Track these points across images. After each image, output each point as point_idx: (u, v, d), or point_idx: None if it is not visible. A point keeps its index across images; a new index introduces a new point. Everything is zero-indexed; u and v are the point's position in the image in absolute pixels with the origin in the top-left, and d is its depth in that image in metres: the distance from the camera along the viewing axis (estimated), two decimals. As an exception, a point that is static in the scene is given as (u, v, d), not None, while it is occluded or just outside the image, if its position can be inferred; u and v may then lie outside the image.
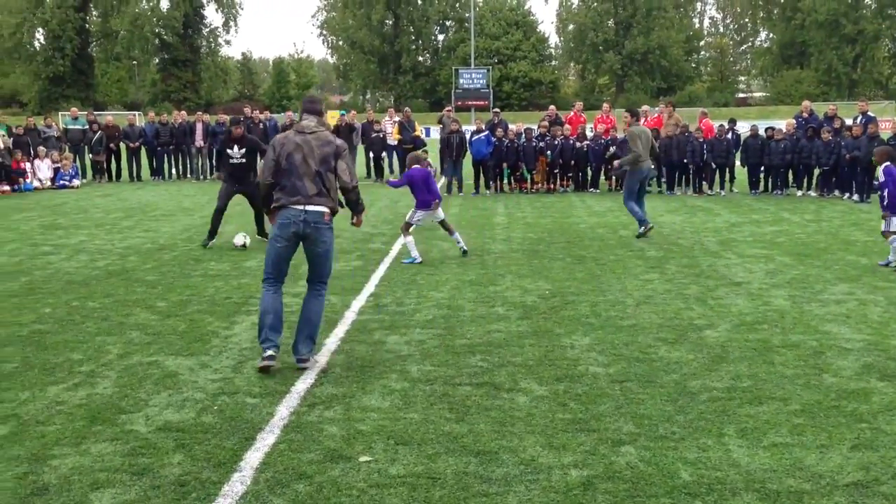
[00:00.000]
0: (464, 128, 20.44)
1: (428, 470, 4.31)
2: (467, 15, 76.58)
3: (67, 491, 4.09)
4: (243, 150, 11.48)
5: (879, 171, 9.95)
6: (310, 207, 5.97)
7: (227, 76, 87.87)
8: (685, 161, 18.47)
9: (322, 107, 6.50)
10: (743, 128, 21.02)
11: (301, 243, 6.07)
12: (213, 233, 11.69)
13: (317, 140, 6.07)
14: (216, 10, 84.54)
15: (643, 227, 12.08)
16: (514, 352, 6.42)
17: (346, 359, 6.30)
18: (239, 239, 11.45)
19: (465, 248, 10.68)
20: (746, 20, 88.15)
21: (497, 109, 21.98)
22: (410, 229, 10.53)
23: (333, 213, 6.10)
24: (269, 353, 5.97)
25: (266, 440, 4.71)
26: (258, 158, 11.18)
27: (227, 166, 11.70)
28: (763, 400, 5.32)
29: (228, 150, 11.53)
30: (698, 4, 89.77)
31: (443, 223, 10.87)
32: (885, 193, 9.68)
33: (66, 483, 4.17)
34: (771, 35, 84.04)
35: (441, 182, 20.34)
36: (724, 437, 4.72)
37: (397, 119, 22.00)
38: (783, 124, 19.54)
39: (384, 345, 6.63)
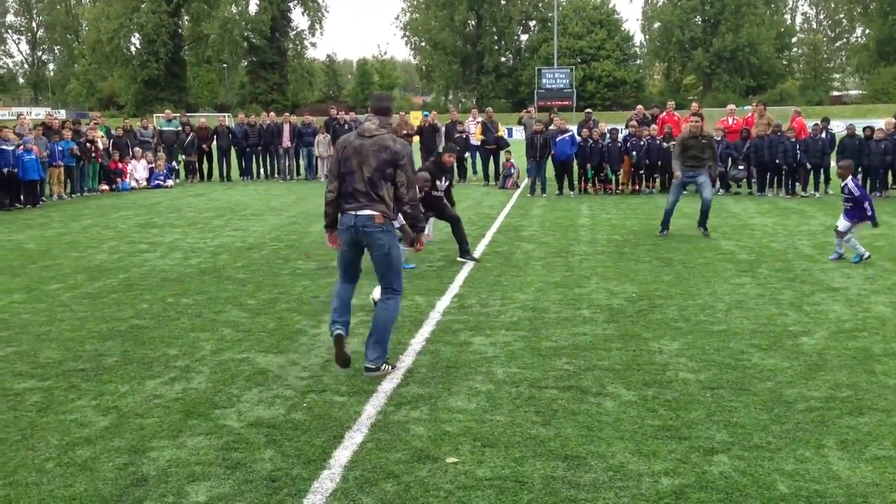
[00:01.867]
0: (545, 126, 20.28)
1: (515, 473, 4.28)
2: (550, 14, 76.16)
3: (165, 483, 4.22)
4: (447, 182, 10.70)
5: (851, 185, 10.12)
6: (361, 212, 5.83)
7: (312, 78, 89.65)
8: (777, 161, 17.91)
9: (389, 104, 6.19)
10: (838, 127, 20.26)
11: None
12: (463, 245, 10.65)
13: (374, 145, 5.83)
14: (302, 13, 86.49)
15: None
16: (600, 355, 6.33)
17: (431, 359, 6.32)
18: (377, 293, 8.90)
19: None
20: (841, 15, 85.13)
21: (590, 110, 21.80)
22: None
23: (388, 218, 5.90)
24: (337, 331, 5.98)
25: (354, 438, 4.77)
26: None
27: (428, 199, 10.21)
28: (864, 410, 5.10)
29: (437, 181, 10.39)
30: (790, 0, 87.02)
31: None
32: (864, 207, 10.00)
33: (164, 475, 4.31)
34: (867, 31, 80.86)
35: (525, 182, 20.28)
36: (823, 448, 4.55)
37: (480, 119, 22.01)
38: (881, 123, 18.74)
39: (469, 346, 6.63)
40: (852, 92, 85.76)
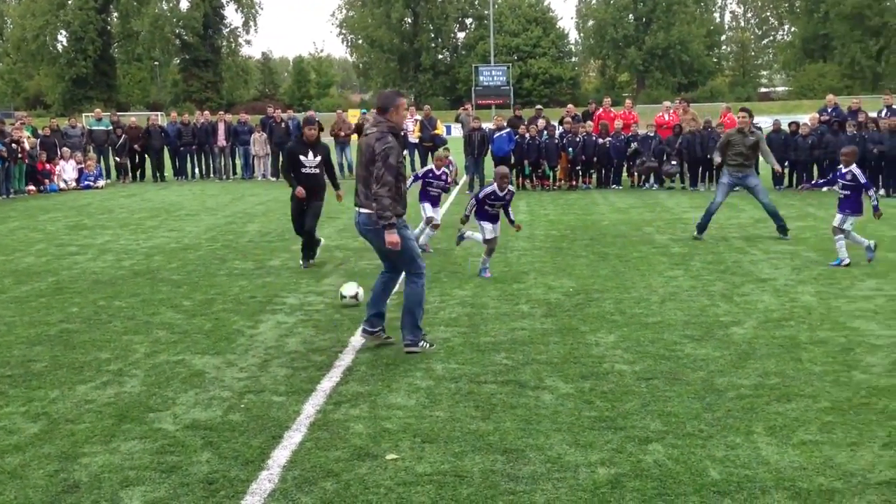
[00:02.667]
0: (484, 125, 20.42)
1: (455, 468, 4.31)
2: (486, 12, 76.51)
3: (98, 489, 4.13)
4: (318, 158, 9.77)
5: (857, 171, 9.79)
6: (361, 210, 6.20)
7: (247, 76, 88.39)
8: (708, 157, 18.31)
9: (383, 102, 6.26)
10: (765, 123, 20.85)
11: None
12: (307, 250, 10.06)
13: (364, 143, 6.15)
14: (236, 10, 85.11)
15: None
16: (538, 349, 6.40)
17: (371, 357, 6.31)
18: (350, 289, 8.09)
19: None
20: (768, 14, 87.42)
21: (540, 107, 22.09)
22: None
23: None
24: (363, 327, 6.41)
25: (293, 438, 4.73)
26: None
27: (298, 176, 9.73)
28: (791, 397, 5.27)
29: (301, 157, 9.68)
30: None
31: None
32: (861, 198, 9.69)
33: (97, 481, 4.21)
34: (793, 28, 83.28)
35: (464, 179, 20.35)
36: (753, 434, 4.68)
37: (418, 117, 22.02)
38: (806, 119, 19.33)
39: (408, 343, 6.62)
40: (779, 88, 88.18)
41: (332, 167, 10.25)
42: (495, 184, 8.98)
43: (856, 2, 71.10)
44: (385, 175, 6.00)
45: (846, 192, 9.73)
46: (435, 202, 10.95)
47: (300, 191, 9.73)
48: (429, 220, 10.67)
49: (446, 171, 10.96)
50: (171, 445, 4.65)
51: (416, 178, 11.00)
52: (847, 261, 9.49)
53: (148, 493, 4.07)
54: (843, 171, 9.82)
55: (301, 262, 10.06)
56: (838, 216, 9.72)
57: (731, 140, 11.58)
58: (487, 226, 9.15)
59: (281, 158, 10.39)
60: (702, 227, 11.65)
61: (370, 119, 6.25)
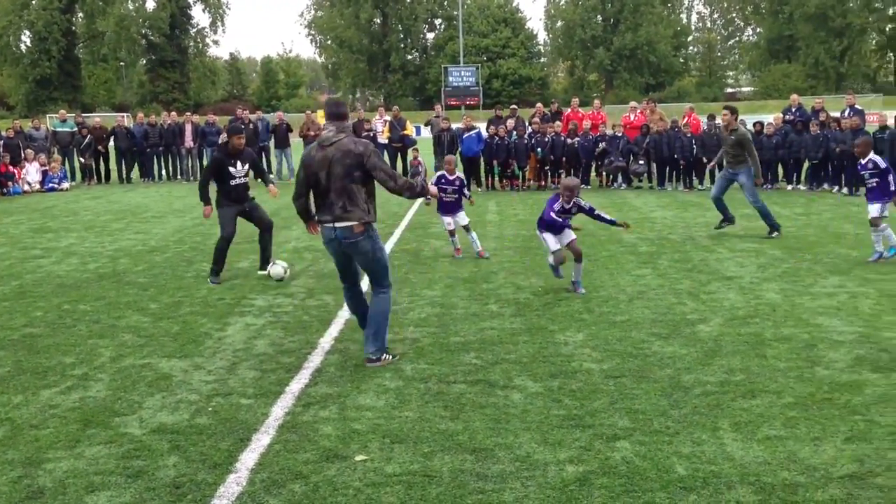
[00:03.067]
0: (453, 125, 20.44)
1: (424, 468, 4.31)
2: (455, 13, 76.56)
3: (63, 494, 4.08)
4: (246, 167, 9.41)
5: (876, 158, 9.80)
6: (338, 224, 5.92)
7: (215, 76, 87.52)
8: (675, 156, 18.51)
9: (344, 109, 6.17)
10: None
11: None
12: (220, 265, 9.37)
13: (336, 152, 5.85)
14: (203, 10, 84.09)
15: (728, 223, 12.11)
16: (507, 349, 6.42)
17: (340, 358, 6.29)
18: (278, 270, 9.19)
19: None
20: (734, 15, 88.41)
21: (514, 106, 22.17)
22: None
23: (367, 223, 5.96)
24: (367, 354, 6.14)
25: (261, 441, 4.71)
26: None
27: (227, 188, 9.36)
28: (756, 393, 5.34)
29: (230, 168, 9.26)
30: (685, 0, 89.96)
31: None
32: (888, 180, 9.57)
33: (62, 486, 4.16)
34: (758, 29, 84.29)
35: (433, 179, 20.36)
36: (719, 430, 4.74)
37: (387, 118, 21.99)
38: (771, 118, 19.59)
39: (378, 344, 6.61)
40: (745, 89, 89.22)
41: (262, 170, 10.14)
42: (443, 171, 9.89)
43: (819, 2, 72.12)
44: (387, 169, 6.00)
45: (874, 181, 9.73)
46: (453, 208, 10.44)
47: (207, 210, 9.37)
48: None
49: (460, 175, 10.55)
50: (138, 450, 4.60)
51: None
52: None
53: (114, 499, 4.03)
54: (863, 162, 9.87)
55: (211, 277, 9.23)
56: (874, 206, 9.58)
57: (721, 137, 12.29)
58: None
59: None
60: (724, 216, 12.01)
61: (329, 127, 5.91)
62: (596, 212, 8.52)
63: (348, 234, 5.93)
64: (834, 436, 4.63)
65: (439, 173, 10.61)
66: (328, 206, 5.95)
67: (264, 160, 22.81)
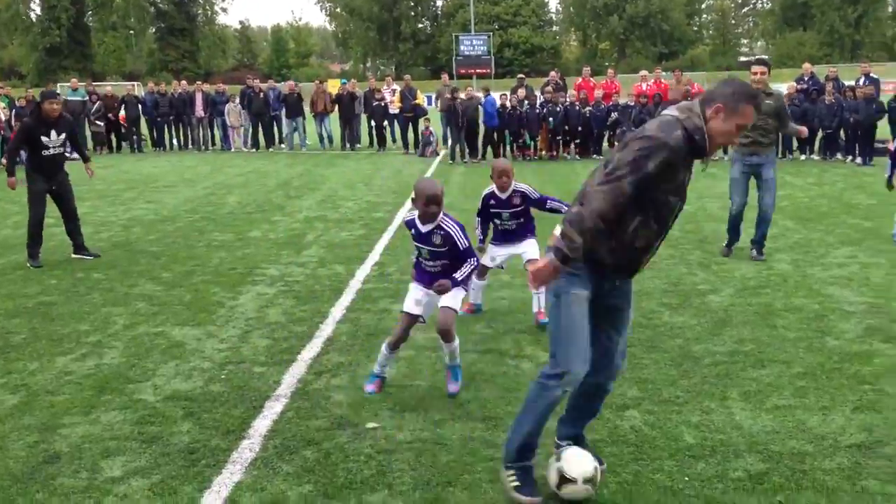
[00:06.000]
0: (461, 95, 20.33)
1: (434, 436, 4.36)
2: (467, -20, 75.74)
3: (79, 458, 4.14)
4: (62, 137, 8.72)
5: None
6: None
7: (225, 45, 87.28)
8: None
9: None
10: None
11: None
12: (37, 246, 8.78)
13: None
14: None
15: None
16: (518, 319, 6.45)
17: (351, 327, 6.33)
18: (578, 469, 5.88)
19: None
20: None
21: (522, 76, 22.02)
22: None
23: None
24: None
25: (274, 408, 4.76)
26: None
27: (38, 158, 8.66)
28: (766, 363, 5.35)
29: (43, 138, 8.54)
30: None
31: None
32: None
33: (77, 451, 4.23)
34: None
35: (444, 151, 20.31)
36: (728, 400, 4.76)
37: (395, 87, 21.89)
38: (784, 88, 19.38)
39: (389, 313, 6.65)
40: (759, 57, 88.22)
41: (78, 142, 9.41)
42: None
43: (835, -31, 71.02)
44: None
45: None
46: (512, 237, 6.55)
47: (12, 182, 8.80)
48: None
49: (520, 187, 6.50)
50: (152, 416, 4.66)
51: (478, 215, 6.71)
52: None
53: (129, 463, 4.10)
54: None
55: (30, 260, 8.65)
56: None
57: None
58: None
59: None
60: (733, 235, 8.82)
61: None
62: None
63: None
64: (843, 405, 4.64)
65: (486, 191, 6.60)
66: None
67: (275, 127, 22.76)
